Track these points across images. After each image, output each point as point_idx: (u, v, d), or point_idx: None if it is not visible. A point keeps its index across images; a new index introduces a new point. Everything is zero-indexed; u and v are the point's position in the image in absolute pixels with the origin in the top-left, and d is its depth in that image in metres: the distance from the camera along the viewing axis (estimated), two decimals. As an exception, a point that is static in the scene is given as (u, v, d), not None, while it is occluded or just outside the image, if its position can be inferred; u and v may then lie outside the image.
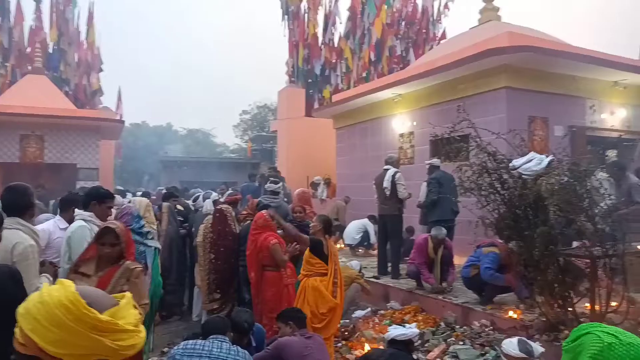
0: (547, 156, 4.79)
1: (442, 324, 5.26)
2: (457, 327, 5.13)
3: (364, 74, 16.67)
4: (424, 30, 17.97)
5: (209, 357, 2.85)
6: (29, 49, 17.60)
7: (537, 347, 3.15)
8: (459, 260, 6.25)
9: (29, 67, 15.97)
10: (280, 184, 7.27)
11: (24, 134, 12.31)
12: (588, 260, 4.41)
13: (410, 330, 3.39)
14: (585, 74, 7.95)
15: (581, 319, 4.13)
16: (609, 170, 5.92)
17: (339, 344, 4.87)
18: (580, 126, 8.19)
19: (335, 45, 17.10)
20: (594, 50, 8.31)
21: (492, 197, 4.87)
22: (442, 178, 6.85)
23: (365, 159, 10.58)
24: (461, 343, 4.71)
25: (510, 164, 4.78)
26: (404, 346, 3.34)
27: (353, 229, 9.08)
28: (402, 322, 5.13)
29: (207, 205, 6.35)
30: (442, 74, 8.18)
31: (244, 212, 5.96)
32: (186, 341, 3.04)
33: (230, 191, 7.90)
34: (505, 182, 4.82)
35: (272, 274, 4.67)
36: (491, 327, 4.87)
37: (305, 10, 16.96)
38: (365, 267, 7.20)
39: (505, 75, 7.55)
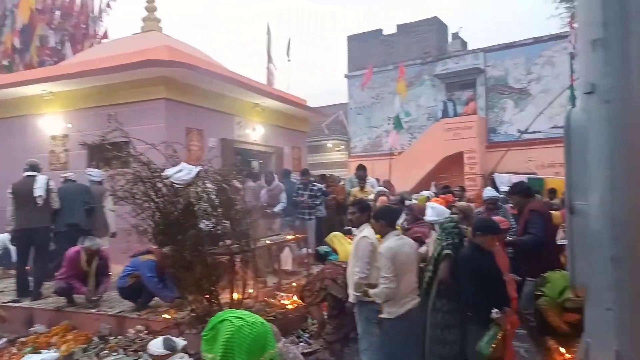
0: (196, 166, 5.30)
1: (96, 338, 5.04)
2: (112, 338, 5.02)
3: (6, 62, 14.11)
4: (83, 25, 16.60)
5: None
6: None
7: (180, 342, 3.48)
8: (116, 269, 6.12)
9: None
10: None
11: None
12: (229, 257, 5.14)
13: (47, 355, 3.15)
14: (234, 94, 9.16)
15: (224, 308, 4.76)
16: (244, 178, 7.08)
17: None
18: (229, 139, 9.36)
19: (-37, 20, 13.78)
20: (242, 75, 9.68)
21: (146, 205, 5.04)
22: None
23: (7, 161, 8.95)
24: (115, 354, 4.65)
25: (163, 173, 5.05)
26: (43, 372, 3.07)
27: (-13, 247, 7.56)
28: (48, 346, 4.65)
29: None
30: (100, 77, 7.82)
31: None
32: None
33: None
34: (160, 191, 5.07)
35: None
36: (146, 332, 4.99)
37: None
38: (3, 291, 6.16)
39: (164, 87, 7.84)
